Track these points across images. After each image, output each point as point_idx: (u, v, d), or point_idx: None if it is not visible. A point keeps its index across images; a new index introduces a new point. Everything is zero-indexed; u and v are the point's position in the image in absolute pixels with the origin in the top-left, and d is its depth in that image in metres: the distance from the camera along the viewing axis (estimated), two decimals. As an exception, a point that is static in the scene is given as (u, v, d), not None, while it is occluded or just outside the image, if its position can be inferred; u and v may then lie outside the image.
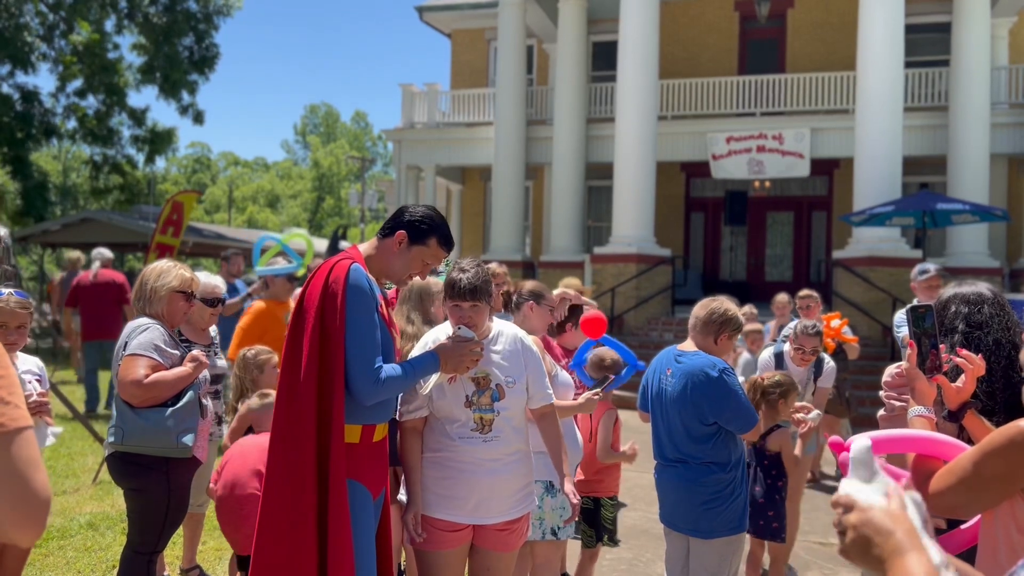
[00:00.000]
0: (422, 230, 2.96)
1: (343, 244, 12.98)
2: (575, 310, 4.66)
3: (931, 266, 6.45)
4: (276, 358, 4.21)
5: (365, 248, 3.02)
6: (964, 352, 2.28)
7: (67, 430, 7.79)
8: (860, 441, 1.17)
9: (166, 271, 3.79)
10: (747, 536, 3.86)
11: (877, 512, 1.09)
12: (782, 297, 8.48)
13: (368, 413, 2.85)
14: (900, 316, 6.63)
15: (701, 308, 3.78)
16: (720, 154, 16.67)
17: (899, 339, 6.58)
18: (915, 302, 6.94)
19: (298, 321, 2.83)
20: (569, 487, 3.21)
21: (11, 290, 3.53)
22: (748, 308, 8.52)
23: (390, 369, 2.81)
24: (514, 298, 4.30)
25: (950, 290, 2.62)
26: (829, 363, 5.71)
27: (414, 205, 3.04)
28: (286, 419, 2.75)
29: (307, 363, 2.74)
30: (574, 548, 5.04)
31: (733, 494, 3.61)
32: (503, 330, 3.21)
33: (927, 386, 2.27)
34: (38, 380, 3.67)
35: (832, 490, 7.72)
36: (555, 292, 4.78)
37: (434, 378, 3.01)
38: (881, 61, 14.15)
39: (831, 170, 17.90)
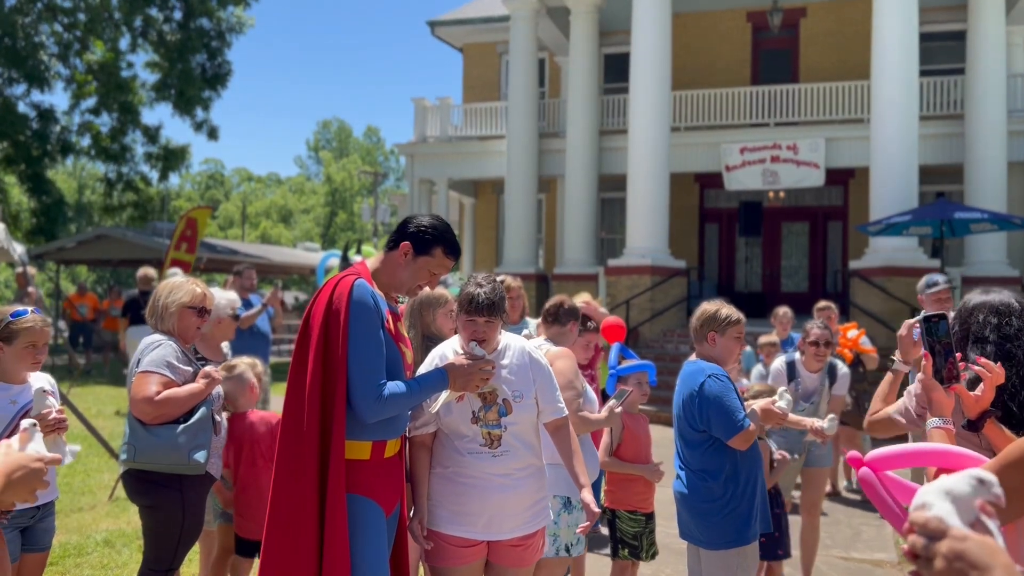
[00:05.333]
0: (426, 240, 2.93)
1: (355, 258, 13.01)
2: (585, 322, 4.62)
3: (940, 278, 6.25)
4: (252, 371, 4.19)
5: (372, 263, 3.00)
6: (983, 360, 2.23)
7: (83, 447, 7.76)
8: (964, 476, 1.09)
9: (177, 287, 3.76)
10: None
11: (973, 544, 1.01)
12: (783, 310, 8.38)
13: (377, 429, 2.83)
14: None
15: (692, 317, 3.89)
16: (734, 165, 16.61)
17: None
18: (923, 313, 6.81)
19: (303, 338, 2.82)
20: (587, 496, 3.15)
21: (31, 308, 3.53)
22: (784, 310, 8.37)
23: (394, 386, 2.78)
24: (559, 310, 4.22)
25: (977, 298, 2.55)
26: (843, 369, 5.66)
27: (418, 215, 3.01)
28: (290, 435, 2.75)
29: (311, 380, 2.73)
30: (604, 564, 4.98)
31: (728, 505, 3.55)
32: (511, 344, 3.15)
33: (944, 396, 2.22)
34: (53, 396, 3.65)
35: (851, 503, 7.62)
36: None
37: (443, 396, 2.97)
38: (895, 70, 14.08)
39: (846, 180, 17.81)
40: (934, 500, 1.07)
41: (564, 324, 4.16)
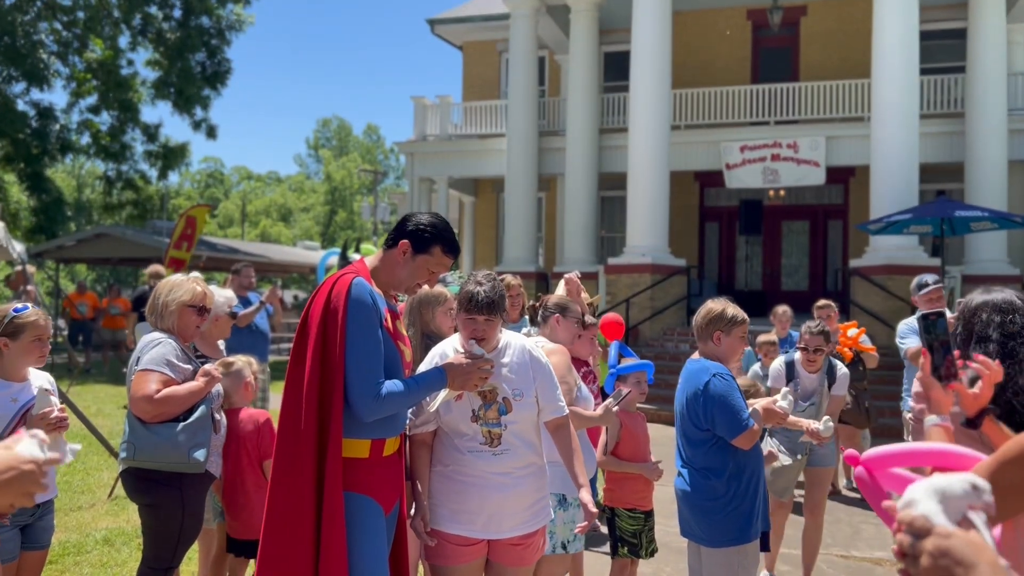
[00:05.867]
0: (425, 239, 2.92)
1: (354, 257, 13.03)
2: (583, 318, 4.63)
3: (930, 278, 6.42)
4: (249, 369, 4.19)
5: (371, 261, 3.00)
6: (980, 358, 2.22)
7: (83, 445, 7.74)
8: (961, 479, 1.08)
9: (178, 285, 3.76)
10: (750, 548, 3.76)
11: (958, 541, 1.01)
12: (782, 308, 8.38)
13: (376, 427, 2.82)
14: (903, 327, 6.58)
15: (696, 315, 3.87)
16: (734, 163, 16.61)
17: (902, 350, 6.50)
18: (915, 316, 6.93)
19: (301, 336, 2.82)
20: (586, 496, 3.14)
21: (29, 304, 3.55)
22: (783, 309, 8.39)
23: (392, 385, 2.77)
24: (540, 311, 4.28)
25: (979, 296, 2.55)
26: (842, 369, 5.64)
27: (417, 213, 3.00)
28: (289, 434, 2.75)
29: (309, 379, 2.73)
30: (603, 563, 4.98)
31: (731, 503, 3.56)
32: (511, 342, 3.15)
33: (943, 394, 2.22)
34: (52, 395, 3.65)
35: (851, 501, 7.62)
36: (562, 282, 4.94)
37: (442, 394, 2.97)
38: (896, 68, 14.07)
39: (847, 178, 17.80)
40: (921, 498, 1.07)
41: (547, 321, 4.19)
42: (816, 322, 5.55)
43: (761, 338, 7.64)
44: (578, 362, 4.61)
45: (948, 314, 2.43)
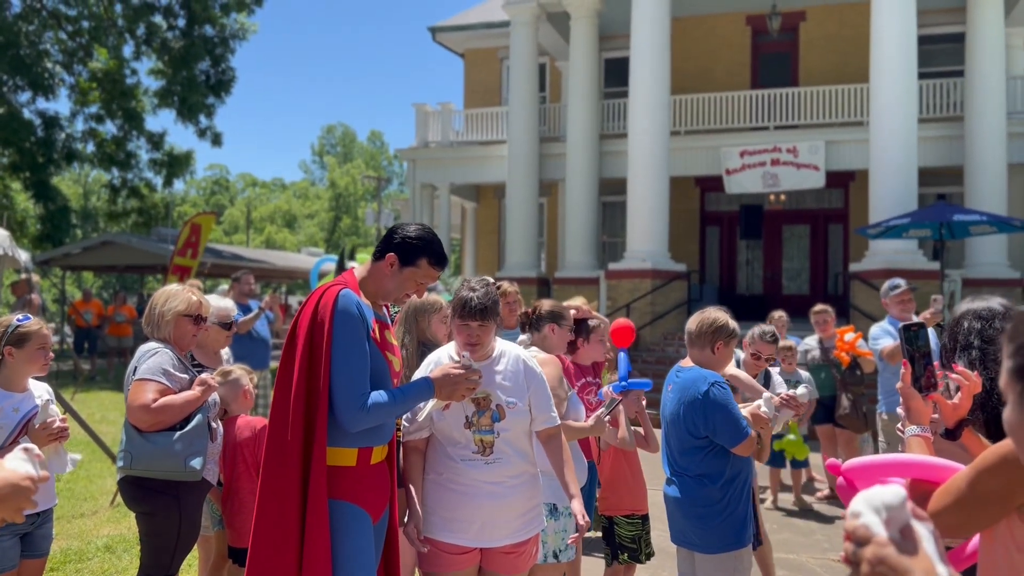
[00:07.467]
0: (412, 252, 2.94)
1: (350, 264, 13.11)
2: (582, 325, 4.62)
3: (901, 281, 6.61)
4: (247, 377, 4.24)
5: (359, 271, 3.03)
6: (960, 368, 2.26)
7: (85, 453, 7.83)
8: (895, 490, 1.12)
9: (173, 295, 3.81)
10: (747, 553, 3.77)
11: (894, 550, 1.06)
12: (778, 314, 8.42)
13: (363, 436, 2.85)
14: (875, 330, 6.76)
15: (692, 322, 3.85)
16: (734, 168, 16.63)
17: (875, 352, 6.70)
18: (887, 319, 7.03)
19: (289, 347, 2.85)
20: (577, 506, 3.17)
21: (30, 315, 3.63)
22: (779, 314, 8.36)
23: (378, 396, 2.80)
24: (532, 319, 4.29)
25: (964, 305, 2.60)
26: (776, 376, 5.51)
27: (405, 225, 3.02)
28: (275, 444, 2.79)
29: (296, 389, 2.76)
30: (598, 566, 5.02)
31: (726, 509, 3.59)
32: (506, 350, 3.19)
33: (922, 405, 2.25)
34: (53, 405, 3.71)
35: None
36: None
37: (430, 404, 3.01)
38: (895, 72, 14.11)
39: (847, 182, 17.82)
40: (863, 509, 1.12)
41: (541, 329, 4.20)
42: (770, 329, 5.32)
43: (780, 343, 7.75)
44: (583, 370, 4.63)
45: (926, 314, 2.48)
